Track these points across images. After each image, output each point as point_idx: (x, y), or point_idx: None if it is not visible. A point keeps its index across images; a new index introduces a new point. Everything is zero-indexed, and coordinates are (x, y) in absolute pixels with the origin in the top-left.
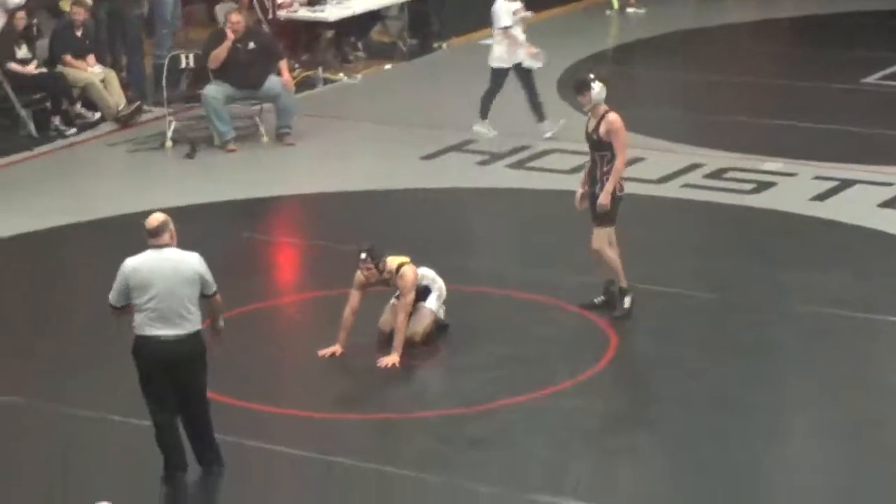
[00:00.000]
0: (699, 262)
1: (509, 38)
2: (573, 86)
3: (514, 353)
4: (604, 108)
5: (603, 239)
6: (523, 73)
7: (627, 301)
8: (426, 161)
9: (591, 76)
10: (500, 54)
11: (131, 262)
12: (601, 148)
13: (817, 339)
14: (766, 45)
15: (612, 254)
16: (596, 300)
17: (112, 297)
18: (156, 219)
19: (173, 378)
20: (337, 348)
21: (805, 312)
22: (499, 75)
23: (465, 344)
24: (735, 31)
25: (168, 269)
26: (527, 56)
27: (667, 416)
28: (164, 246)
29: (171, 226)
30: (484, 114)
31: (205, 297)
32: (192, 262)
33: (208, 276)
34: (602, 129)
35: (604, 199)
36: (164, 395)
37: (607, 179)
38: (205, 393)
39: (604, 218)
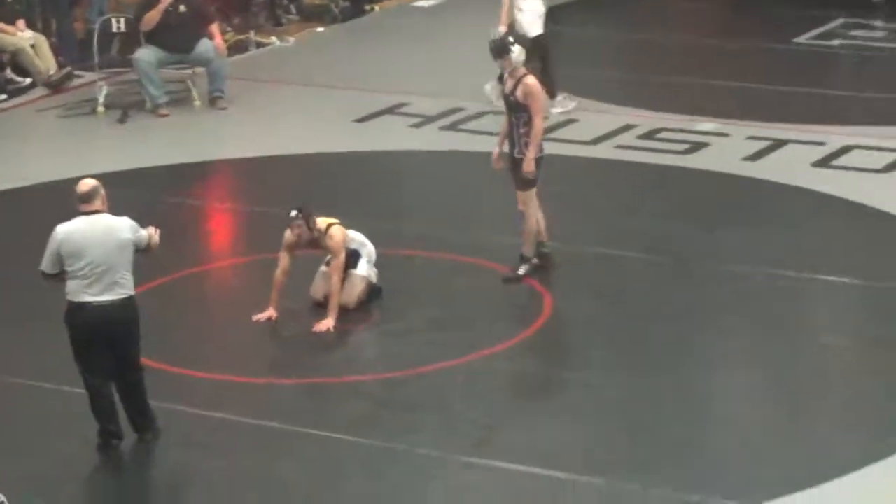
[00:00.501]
0: (633, 223)
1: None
2: (491, 49)
3: (449, 316)
4: (522, 70)
5: (530, 201)
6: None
7: (524, 269)
8: (359, 124)
9: (510, 39)
10: (526, 23)
11: (63, 229)
12: (518, 110)
13: (751, 299)
14: (698, 5)
15: (533, 219)
16: (532, 261)
17: (44, 264)
18: (87, 184)
19: (107, 344)
20: (271, 312)
21: (739, 272)
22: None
23: (399, 307)
24: None
25: (101, 235)
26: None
27: (602, 377)
28: (96, 212)
29: (102, 191)
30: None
31: (143, 251)
32: (123, 227)
33: (139, 235)
34: (519, 92)
35: (527, 166)
36: (97, 361)
37: (525, 143)
38: (139, 359)
39: (525, 181)
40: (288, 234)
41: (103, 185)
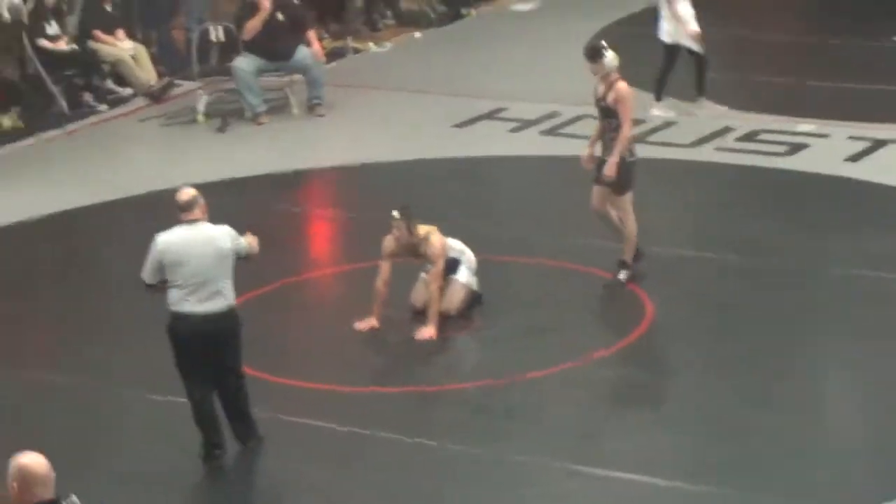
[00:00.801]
0: (734, 226)
1: (671, 11)
2: (584, 53)
3: (549, 323)
4: (615, 75)
5: (625, 205)
6: (674, 50)
7: (624, 275)
8: (457, 129)
9: (603, 43)
10: (667, 28)
11: (163, 239)
12: (609, 115)
13: (852, 301)
14: (797, 2)
15: (631, 224)
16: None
17: (145, 274)
18: (186, 193)
19: (209, 354)
20: (373, 321)
21: (840, 275)
22: (669, 51)
23: (499, 314)
24: None
25: (201, 244)
26: (686, 36)
27: (703, 383)
28: (196, 221)
29: (202, 200)
30: (658, 94)
31: (243, 259)
32: (223, 236)
33: (239, 243)
34: (611, 97)
35: (609, 170)
36: (200, 371)
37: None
38: (241, 367)
39: (618, 186)
40: (387, 242)
41: (203, 193)
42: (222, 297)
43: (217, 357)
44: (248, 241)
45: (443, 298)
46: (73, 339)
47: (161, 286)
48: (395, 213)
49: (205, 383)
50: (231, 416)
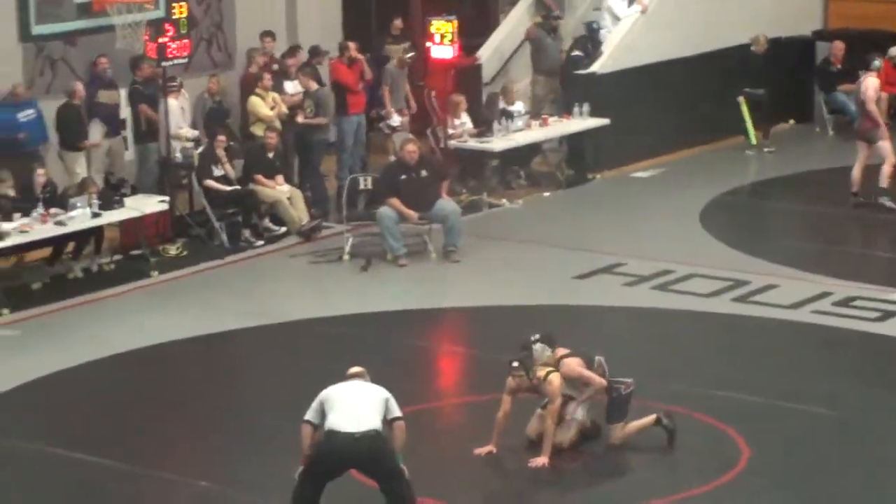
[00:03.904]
0: (826, 383)
1: None
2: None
3: (652, 460)
4: (557, 357)
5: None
6: None
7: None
8: (578, 280)
9: (519, 358)
10: None
11: (329, 388)
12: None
13: None
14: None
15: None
16: None
17: (308, 414)
18: (356, 369)
19: (363, 471)
20: (491, 448)
21: None
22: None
23: (608, 450)
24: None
25: (360, 389)
26: None
27: None
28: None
29: (368, 376)
30: None
31: (388, 422)
32: (380, 389)
33: (393, 403)
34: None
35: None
36: (319, 483)
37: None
38: (398, 471)
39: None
40: (510, 380)
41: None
42: (372, 424)
43: (373, 468)
44: (400, 426)
45: (557, 432)
46: (216, 452)
47: (315, 435)
48: (515, 364)
49: (316, 492)
50: None
